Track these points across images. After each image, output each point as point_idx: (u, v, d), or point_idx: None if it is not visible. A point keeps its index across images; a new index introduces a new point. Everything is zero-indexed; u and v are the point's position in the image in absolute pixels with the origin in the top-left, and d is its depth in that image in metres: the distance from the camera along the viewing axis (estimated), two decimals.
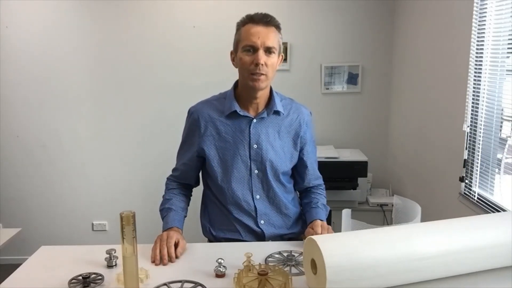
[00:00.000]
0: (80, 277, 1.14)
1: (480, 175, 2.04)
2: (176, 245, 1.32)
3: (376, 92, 3.26)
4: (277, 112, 1.50)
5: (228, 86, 1.54)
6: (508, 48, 1.82)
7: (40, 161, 3.27)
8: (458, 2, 2.20)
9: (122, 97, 3.23)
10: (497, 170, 1.95)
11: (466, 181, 2.14)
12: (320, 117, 3.11)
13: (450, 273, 1.08)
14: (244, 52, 1.40)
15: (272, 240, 1.52)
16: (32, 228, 3.29)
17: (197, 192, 1.66)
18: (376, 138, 3.33)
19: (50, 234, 3.33)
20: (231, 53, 1.48)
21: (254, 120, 1.48)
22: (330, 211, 1.65)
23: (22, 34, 3.09)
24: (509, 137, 1.88)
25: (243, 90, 1.47)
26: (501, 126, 1.91)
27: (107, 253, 1.23)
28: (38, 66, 3.14)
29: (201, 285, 1.11)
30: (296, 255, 1.30)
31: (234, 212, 1.51)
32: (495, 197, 1.94)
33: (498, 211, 1.85)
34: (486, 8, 1.97)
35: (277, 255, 1.31)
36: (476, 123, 2.05)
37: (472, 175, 2.09)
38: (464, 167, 2.14)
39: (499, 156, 1.93)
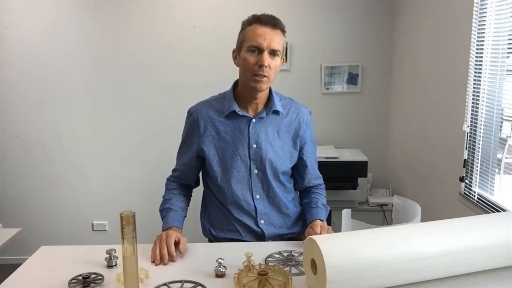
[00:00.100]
0: (80, 277, 1.14)
1: (480, 175, 2.04)
2: (176, 244, 1.32)
3: (376, 92, 3.26)
4: (276, 112, 1.50)
5: (228, 86, 1.54)
6: (508, 48, 1.82)
7: (40, 161, 3.27)
8: (458, 2, 2.20)
9: (122, 97, 3.23)
10: (497, 170, 1.95)
11: (466, 181, 2.14)
12: (320, 117, 3.11)
13: (450, 273, 1.08)
14: (249, 52, 1.39)
15: (272, 240, 1.51)
16: (32, 228, 3.29)
17: (197, 192, 1.66)
18: (376, 138, 3.33)
19: (50, 234, 3.34)
20: (234, 51, 1.48)
21: (253, 120, 1.48)
22: (330, 211, 1.65)
23: (22, 34, 3.09)
24: (509, 137, 1.88)
25: (243, 90, 1.47)
26: (501, 126, 1.91)
27: (107, 253, 1.23)
28: (38, 66, 3.14)
29: (201, 285, 1.11)
30: (296, 255, 1.30)
31: (234, 212, 1.51)
32: (495, 197, 1.93)
33: (498, 211, 1.85)
34: (486, 8, 1.97)
35: (277, 255, 1.31)
36: (476, 123, 2.05)
37: (472, 175, 2.09)
38: (464, 167, 2.14)
39: (499, 156, 1.93)
